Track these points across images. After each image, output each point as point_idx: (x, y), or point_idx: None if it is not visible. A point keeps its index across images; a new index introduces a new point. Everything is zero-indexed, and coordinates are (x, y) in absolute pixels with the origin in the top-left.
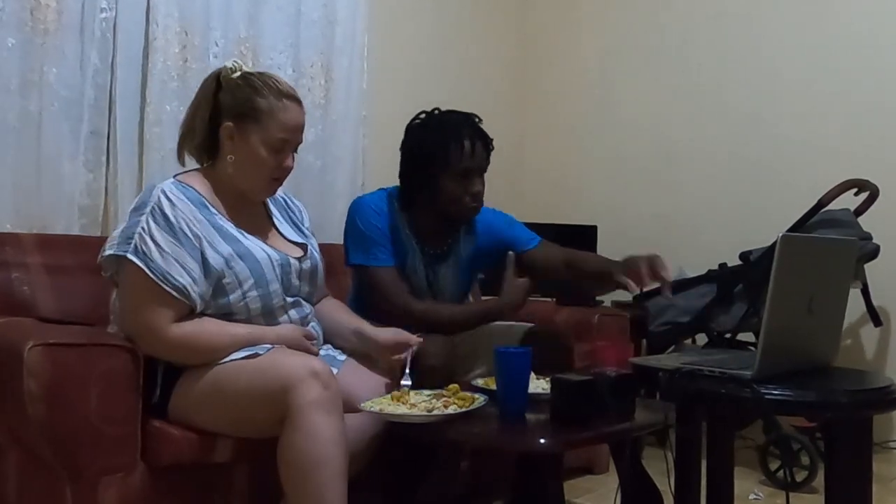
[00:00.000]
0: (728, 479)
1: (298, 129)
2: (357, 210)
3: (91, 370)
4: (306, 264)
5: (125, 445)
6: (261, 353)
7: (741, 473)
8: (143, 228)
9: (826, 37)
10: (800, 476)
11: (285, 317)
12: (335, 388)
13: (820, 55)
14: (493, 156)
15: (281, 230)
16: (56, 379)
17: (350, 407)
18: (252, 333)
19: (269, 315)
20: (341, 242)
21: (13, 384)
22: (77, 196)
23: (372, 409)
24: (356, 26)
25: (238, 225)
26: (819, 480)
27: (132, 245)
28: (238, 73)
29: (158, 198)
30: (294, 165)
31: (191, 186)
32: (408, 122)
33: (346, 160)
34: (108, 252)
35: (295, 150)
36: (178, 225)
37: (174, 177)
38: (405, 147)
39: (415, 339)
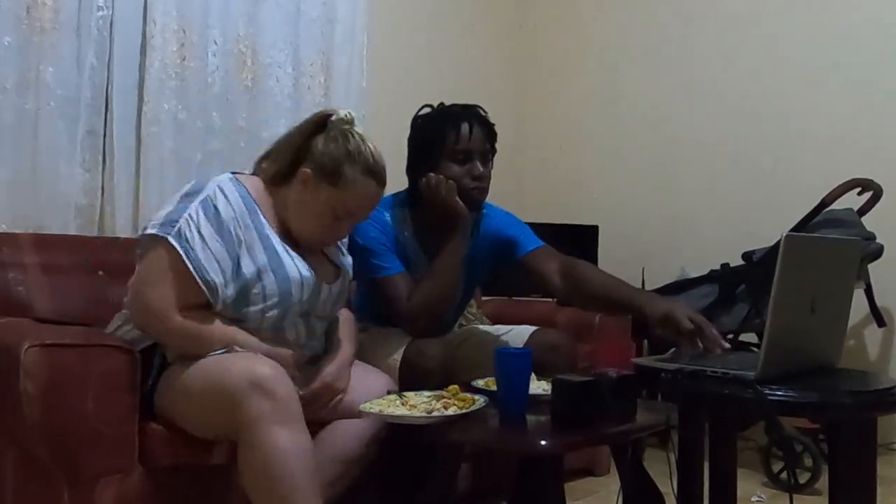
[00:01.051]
0: (731, 481)
1: (369, 208)
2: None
3: (88, 371)
4: (336, 288)
5: (123, 447)
6: (238, 349)
7: (744, 475)
8: (190, 216)
9: (831, 34)
10: (803, 478)
11: (292, 330)
12: (282, 394)
13: (825, 53)
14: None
15: (325, 250)
16: (53, 380)
17: (349, 411)
18: (246, 343)
19: (278, 329)
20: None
21: (10, 385)
22: (73, 196)
23: (371, 410)
24: (356, 24)
25: (284, 238)
26: (822, 482)
27: (175, 229)
28: (347, 126)
29: (215, 190)
30: (346, 236)
31: (246, 188)
32: (408, 121)
33: None
34: (149, 231)
35: (354, 224)
36: (227, 223)
37: (232, 173)
38: (409, 138)
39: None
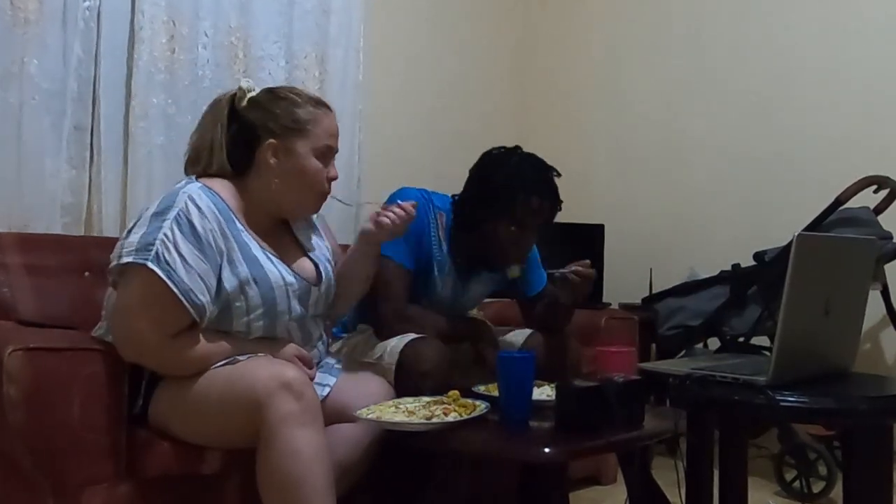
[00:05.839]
0: (742, 490)
1: (337, 135)
2: (396, 198)
3: (73, 376)
4: (323, 287)
5: (110, 455)
6: (241, 358)
7: (755, 484)
8: (165, 236)
9: (843, 27)
10: (817, 486)
11: (285, 335)
12: (310, 396)
13: (837, 46)
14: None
15: (304, 243)
16: (37, 385)
17: (345, 417)
18: (244, 350)
19: (269, 335)
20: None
21: None
22: (59, 193)
23: (369, 416)
24: (351, 16)
25: (262, 243)
26: (837, 491)
27: (153, 252)
28: (256, 92)
29: (185, 203)
30: (336, 175)
31: (218, 194)
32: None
33: (341, 155)
34: (125, 260)
35: (333, 157)
36: (206, 237)
37: (197, 179)
38: (476, 173)
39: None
